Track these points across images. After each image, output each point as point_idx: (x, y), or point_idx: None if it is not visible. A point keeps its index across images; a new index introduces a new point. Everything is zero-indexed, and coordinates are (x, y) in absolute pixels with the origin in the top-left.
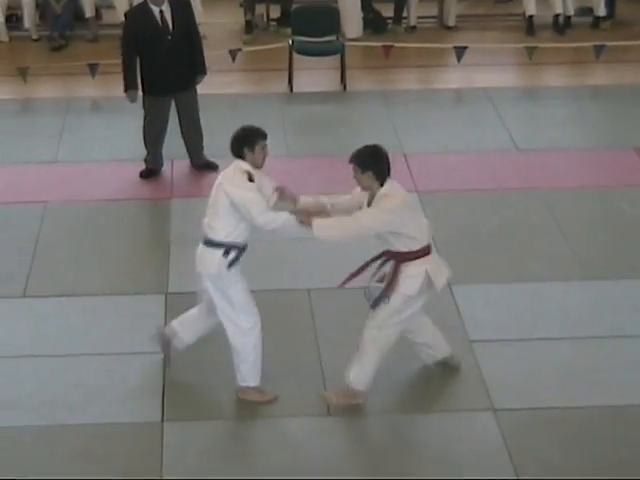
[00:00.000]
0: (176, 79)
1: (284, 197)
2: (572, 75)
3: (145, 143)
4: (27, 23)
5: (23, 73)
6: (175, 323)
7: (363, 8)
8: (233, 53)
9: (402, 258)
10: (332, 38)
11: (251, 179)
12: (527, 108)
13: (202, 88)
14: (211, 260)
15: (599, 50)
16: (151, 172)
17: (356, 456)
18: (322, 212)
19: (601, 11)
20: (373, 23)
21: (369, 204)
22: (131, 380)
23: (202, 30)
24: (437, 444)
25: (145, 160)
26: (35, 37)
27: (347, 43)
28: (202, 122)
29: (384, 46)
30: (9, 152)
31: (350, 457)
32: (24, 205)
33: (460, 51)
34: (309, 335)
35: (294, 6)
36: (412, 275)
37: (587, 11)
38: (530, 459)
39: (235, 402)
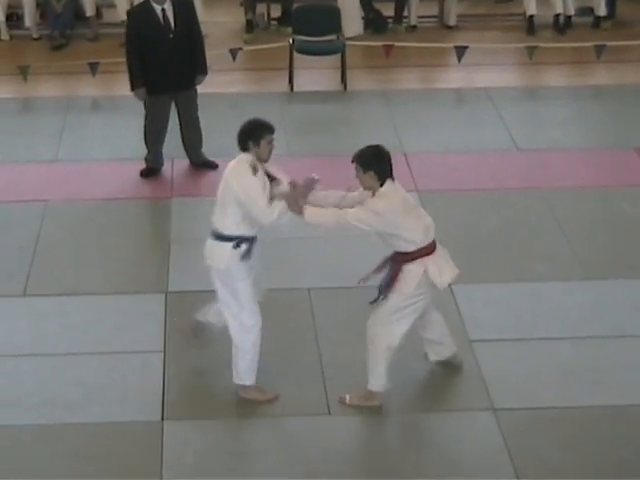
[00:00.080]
0: (177, 78)
1: (297, 191)
2: (573, 75)
3: (146, 142)
4: (28, 22)
5: (24, 72)
6: (211, 313)
7: (363, 7)
8: (234, 52)
9: (401, 259)
10: (333, 37)
11: (255, 173)
12: (528, 108)
13: (203, 87)
14: (221, 254)
15: (600, 50)
16: (151, 171)
17: (356, 456)
18: (305, 196)
19: (602, 11)
20: (374, 22)
21: None
22: (131, 379)
23: (203, 29)
24: (437, 444)
25: (145, 159)
26: (36, 36)
27: (348, 42)
28: (202, 121)
29: (385, 45)
30: (10, 151)
31: (350, 457)
32: (24, 204)
33: (461, 51)
34: (309, 334)
35: (295, 5)
36: (409, 274)
37: (588, 11)
38: (530, 459)
39: (235, 401)
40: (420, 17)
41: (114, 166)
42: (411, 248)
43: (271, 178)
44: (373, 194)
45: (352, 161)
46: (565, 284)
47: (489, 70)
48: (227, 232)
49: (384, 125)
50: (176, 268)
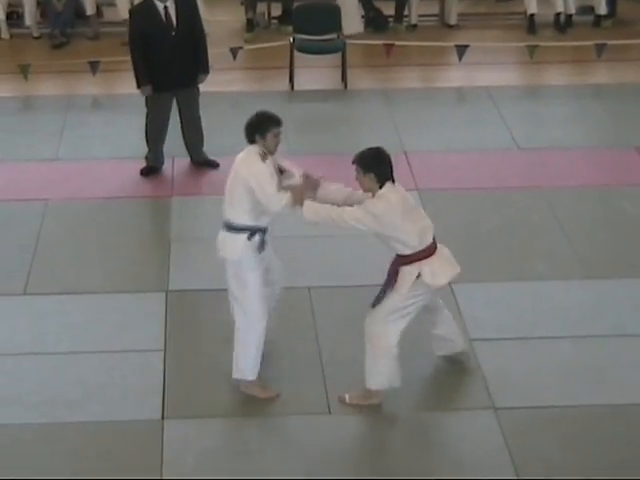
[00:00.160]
0: (179, 76)
1: (308, 184)
2: (573, 74)
3: (147, 140)
4: (28, 20)
5: (24, 70)
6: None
7: (364, 6)
8: (234, 51)
9: (399, 261)
10: (333, 36)
11: (264, 159)
12: (528, 107)
13: (203, 86)
14: (234, 245)
15: (600, 49)
16: (152, 170)
17: (356, 455)
18: (316, 189)
19: (602, 10)
20: (374, 21)
21: None
22: (131, 378)
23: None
24: (437, 442)
25: (146, 158)
26: (36, 35)
27: (348, 41)
28: (203, 120)
29: (385, 44)
30: (10, 150)
31: (350, 456)
32: (25, 203)
33: (461, 50)
34: (309, 333)
35: (295, 4)
36: (405, 275)
37: (588, 10)
38: (531, 458)
39: (235, 400)
40: (421, 16)
41: (114, 165)
42: (407, 251)
43: (281, 171)
44: (373, 195)
45: (353, 163)
46: (566, 283)
47: (490, 69)
48: (238, 222)
49: (385, 124)
50: (176, 267)
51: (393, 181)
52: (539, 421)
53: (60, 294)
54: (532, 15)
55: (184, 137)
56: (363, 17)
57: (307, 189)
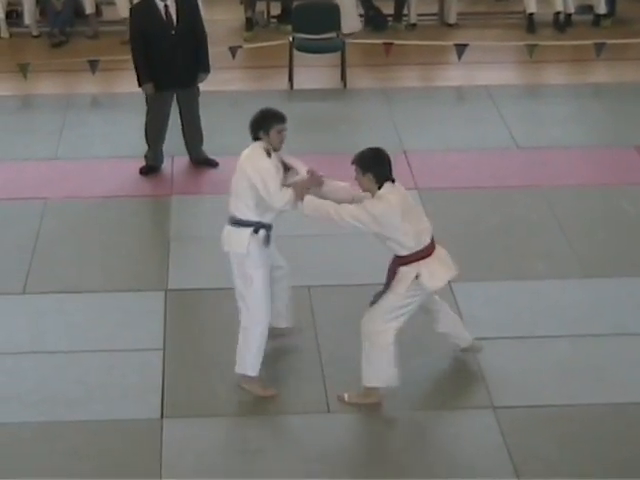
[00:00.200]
0: (179, 74)
1: (313, 180)
2: (573, 73)
3: (147, 139)
4: (27, 19)
5: (23, 69)
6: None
7: (363, 5)
8: (233, 50)
9: (398, 261)
10: (332, 35)
11: (268, 154)
12: (528, 106)
13: (202, 85)
14: (239, 239)
15: (600, 48)
16: (151, 169)
17: (355, 454)
18: (320, 186)
19: (601, 9)
20: (373, 20)
21: None
22: (131, 377)
23: None
24: (436, 441)
25: (145, 156)
26: (35, 33)
27: (347, 40)
28: (202, 119)
29: (384, 43)
30: (9, 149)
31: (349, 455)
32: (24, 202)
33: (461, 49)
34: (309, 332)
35: (294, 3)
36: (403, 276)
37: (587, 9)
38: (529, 457)
39: (235, 399)
40: (420, 15)
41: (114, 164)
42: (405, 252)
43: (286, 168)
44: (372, 196)
45: (352, 163)
46: (564, 282)
47: (489, 68)
48: (243, 217)
49: (384, 123)
50: (176, 266)
51: (393, 181)
52: (538, 420)
53: (59, 293)
54: (531, 14)
55: (184, 135)
56: (363, 16)
57: (311, 185)
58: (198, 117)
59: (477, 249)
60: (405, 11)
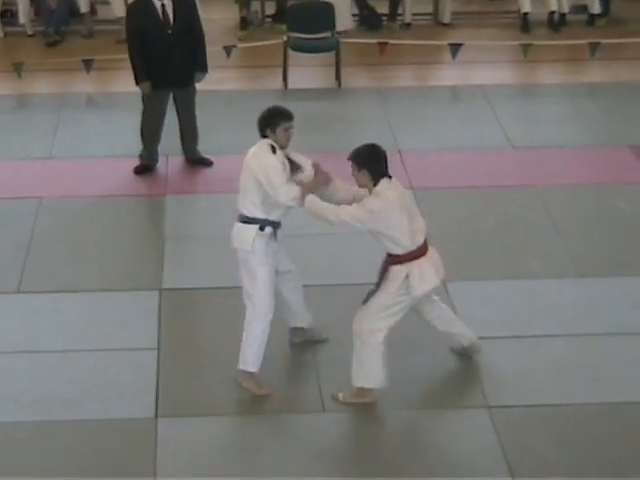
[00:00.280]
0: (175, 74)
1: (318, 175)
2: (567, 72)
3: (142, 138)
4: (22, 19)
5: (18, 69)
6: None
7: (358, 5)
8: (228, 49)
9: (390, 260)
10: (327, 35)
11: (274, 151)
12: (522, 105)
13: (197, 84)
14: (246, 236)
15: (594, 48)
16: (146, 168)
17: (350, 453)
18: (327, 182)
19: (596, 9)
20: (368, 20)
21: None
22: (126, 376)
23: None
24: (431, 441)
25: (140, 156)
26: (30, 33)
27: (342, 40)
28: (197, 118)
29: (379, 43)
30: (4, 148)
31: (344, 454)
32: (19, 201)
33: (455, 48)
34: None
35: (289, 2)
36: (394, 275)
37: (582, 9)
38: (524, 456)
39: (229, 398)
40: (414, 14)
41: (109, 163)
42: (399, 251)
43: (293, 165)
44: (369, 192)
45: (348, 159)
46: (560, 281)
47: (484, 68)
48: (250, 214)
49: (379, 123)
50: (170, 265)
51: (389, 177)
52: (533, 419)
53: (54, 292)
54: (526, 14)
55: (180, 134)
56: (357, 15)
57: (318, 184)
58: (194, 116)
59: (472, 249)
60: (400, 10)
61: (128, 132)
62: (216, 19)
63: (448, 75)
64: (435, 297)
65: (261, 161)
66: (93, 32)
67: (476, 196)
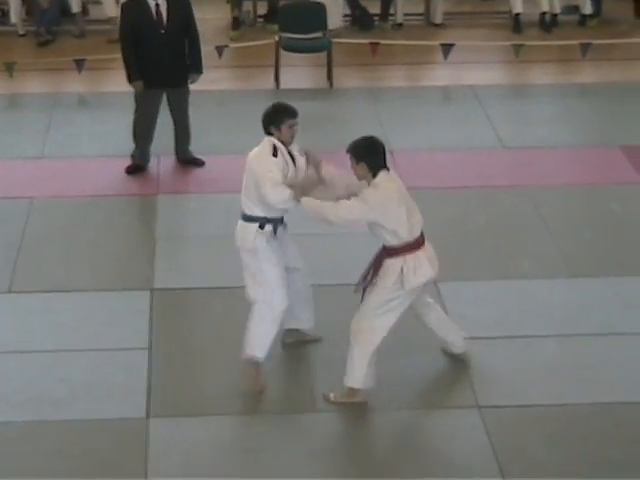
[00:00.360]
0: (168, 74)
1: (309, 162)
2: (559, 73)
3: (134, 137)
4: (14, 18)
5: (10, 68)
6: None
7: (350, 5)
8: (220, 49)
9: (385, 253)
10: (319, 35)
11: (275, 153)
12: (514, 106)
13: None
14: (247, 234)
15: (585, 48)
16: (138, 168)
17: (341, 453)
18: (318, 186)
19: (587, 9)
20: (360, 20)
21: None
22: (117, 376)
23: None
24: (421, 441)
25: (132, 155)
26: (22, 32)
27: (334, 40)
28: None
29: (371, 43)
30: None
31: (335, 454)
32: (10, 201)
33: (447, 48)
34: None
35: (281, 2)
36: (388, 268)
37: (573, 9)
38: (515, 456)
39: (221, 399)
40: (406, 15)
41: (100, 163)
42: (396, 242)
43: (306, 156)
44: (368, 184)
45: (346, 152)
46: (551, 282)
47: (475, 68)
48: (251, 213)
49: (370, 122)
50: (162, 265)
51: (388, 169)
52: (524, 419)
53: (45, 292)
54: (517, 14)
55: (175, 135)
56: (349, 16)
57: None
58: (187, 117)
59: (463, 249)
60: (391, 11)
61: (120, 132)
62: (208, 19)
63: (440, 75)
64: (430, 299)
65: (259, 162)
66: (85, 32)
67: (467, 196)
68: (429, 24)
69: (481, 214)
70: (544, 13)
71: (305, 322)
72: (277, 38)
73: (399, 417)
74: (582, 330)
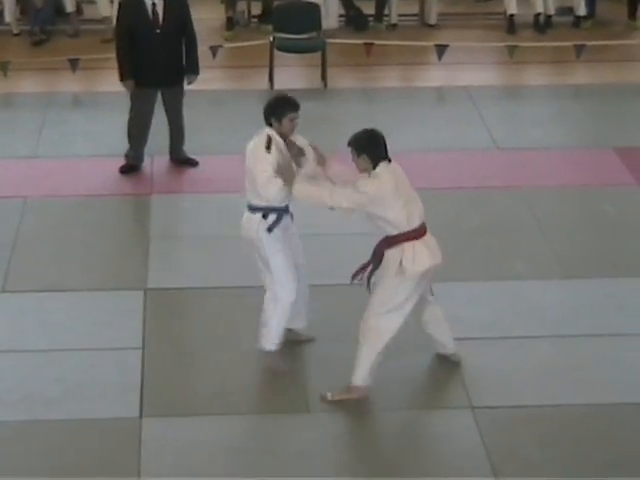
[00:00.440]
0: (163, 73)
1: (316, 155)
2: (553, 74)
3: (129, 136)
4: (8, 17)
5: (4, 68)
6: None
7: (344, 5)
8: (214, 49)
9: (385, 244)
10: (313, 35)
11: (269, 146)
12: (508, 107)
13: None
14: (251, 224)
15: (580, 49)
16: (131, 168)
17: (334, 453)
18: (322, 163)
19: (581, 10)
20: (354, 20)
21: None
22: (110, 376)
23: None
24: (415, 441)
25: (126, 155)
26: (16, 32)
27: (328, 40)
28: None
29: (365, 44)
30: None
31: (328, 455)
32: (4, 200)
33: (441, 49)
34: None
35: (275, 3)
36: (389, 259)
37: (568, 10)
38: (508, 456)
39: (214, 398)
40: (401, 15)
41: (94, 162)
42: (395, 232)
43: (299, 150)
44: (369, 176)
45: (348, 145)
46: (545, 283)
47: (470, 69)
48: (254, 203)
49: (365, 123)
50: (155, 265)
51: (389, 161)
52: (517, 420)
53: (39, 292)
54: (512, 15)
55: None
56: (344, 16)
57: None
58: (181, 117)
59: (457, 249)
60: (386, 11)
61: (114, 131)
62: (202, 19)
63: (434, 76)
64: (431, 298)
65: (255, 159)
66: (79, 31)
67: (461, 197)
68: (423, 25)
69: (475, 215)
70: (538, 14)
71: (299, 322)
72: (271, 38)
73: (392, 417)
74: (575, 331)
